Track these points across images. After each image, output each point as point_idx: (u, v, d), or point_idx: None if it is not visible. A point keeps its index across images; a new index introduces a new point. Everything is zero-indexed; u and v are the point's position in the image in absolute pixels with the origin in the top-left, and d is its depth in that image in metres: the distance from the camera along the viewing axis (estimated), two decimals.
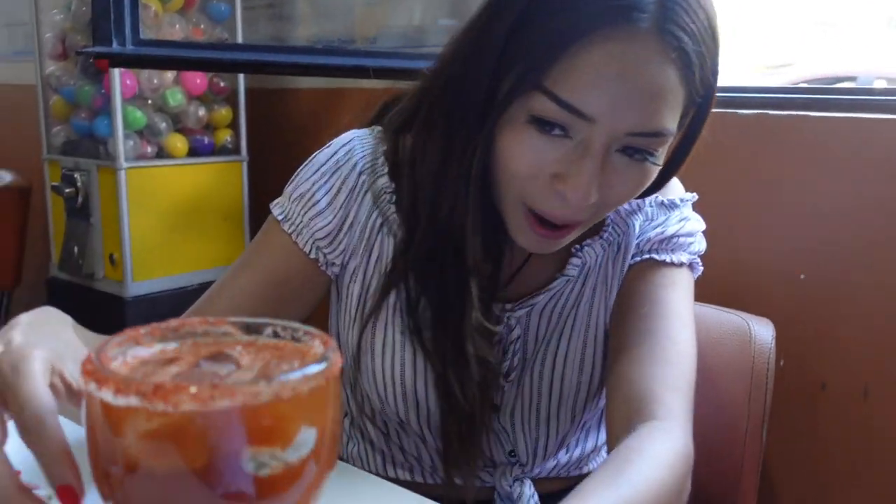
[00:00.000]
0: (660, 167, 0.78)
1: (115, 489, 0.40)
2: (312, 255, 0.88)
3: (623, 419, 0.79)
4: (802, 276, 1.48)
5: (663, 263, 0.91)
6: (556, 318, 0.92)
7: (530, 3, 0.73)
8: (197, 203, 2.45)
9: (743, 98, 1.59)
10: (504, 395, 0.92)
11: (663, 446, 0.73)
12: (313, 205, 0.87)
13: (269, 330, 0.44)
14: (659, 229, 0.92)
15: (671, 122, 0.74)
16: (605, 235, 0.91)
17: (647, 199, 0.92)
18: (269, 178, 2.51)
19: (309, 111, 2.54)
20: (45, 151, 2.58)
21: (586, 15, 0.70)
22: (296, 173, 0.91)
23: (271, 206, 0.91)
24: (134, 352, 0.43)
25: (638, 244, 0.92)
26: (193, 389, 0.36)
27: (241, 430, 0.37)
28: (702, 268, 0.95)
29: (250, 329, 0.44)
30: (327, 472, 0.42)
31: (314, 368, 0.39)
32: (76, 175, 2.40)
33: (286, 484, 0.39)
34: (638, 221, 0.93)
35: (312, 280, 0.90)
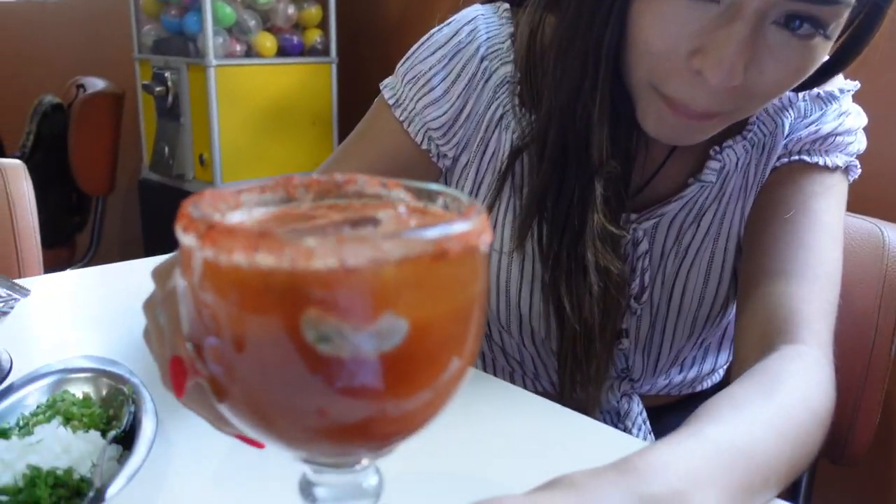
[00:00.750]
0: (826, 52, 0.64)
1: (201, 364, 0.34)
2: (424, 146, 0.80)
3: (762, 336, 0.70)
4: None
5: (815, 167, 0.78)
6: (685, 227, 0.82)
7: None
8: (286, 105, 2.41)
9: None
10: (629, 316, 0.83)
11: (814, 375, 0.63)
12: (429, 91, 0.79)
13: (441, 200, 0.36)
14: (813, 127, 0.79)
15: None
16: (749, 136, 0.79)
17: (801, 93, 0.79)
18: (358, 82, 2.44)
19: (399, 13, 2.45)
20: (136, 51, 2.57)
21: None
22: (411, 51, 0.81)
23: (381, 86, 0.83)
24: (275, 202, 0.37)
25: (786, 144, 0.80)
26: (244, 233, 0.29)
27: (300, 290, 0.29)
28: (859, 170, 0.82)
29: (422, 195, 0.36)
30: (466, 369, 0.34)
31: (413, 235, 0.30)
32: (166, 74, 2.38)
33: (408, 378, 0.32)
34: (788, 119, 0.79)
35: (421, 171, 0.82)
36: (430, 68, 0.79)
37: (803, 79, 0.65)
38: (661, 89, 0.65)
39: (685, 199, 0.80)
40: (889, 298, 1.00)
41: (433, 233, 0.30)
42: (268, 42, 2.35)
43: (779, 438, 0.55)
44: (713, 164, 0.78)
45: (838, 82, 0.80)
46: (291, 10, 2.38)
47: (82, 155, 2.52)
